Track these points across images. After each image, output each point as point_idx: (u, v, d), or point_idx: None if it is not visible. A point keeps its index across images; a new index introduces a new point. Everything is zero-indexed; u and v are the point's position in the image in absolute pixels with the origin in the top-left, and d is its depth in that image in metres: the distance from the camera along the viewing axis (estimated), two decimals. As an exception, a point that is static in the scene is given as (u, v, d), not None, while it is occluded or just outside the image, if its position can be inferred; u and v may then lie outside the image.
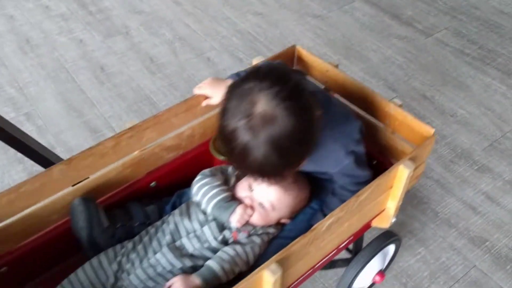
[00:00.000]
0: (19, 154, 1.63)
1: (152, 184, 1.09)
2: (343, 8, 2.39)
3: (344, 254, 1.19)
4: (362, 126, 0.99)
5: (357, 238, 1.12)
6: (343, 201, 0.88)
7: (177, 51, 2.13)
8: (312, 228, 0.83)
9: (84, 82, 1.97)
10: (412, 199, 1.53)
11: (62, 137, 1.73)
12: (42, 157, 1.28)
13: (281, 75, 0.80)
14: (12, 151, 1.65)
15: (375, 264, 1.19)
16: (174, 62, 2.07)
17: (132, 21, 2.31)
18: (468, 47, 2.15)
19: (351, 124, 0.98)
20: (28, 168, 1.61)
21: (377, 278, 1.21)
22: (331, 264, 1.18)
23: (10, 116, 1.79)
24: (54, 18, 2.32)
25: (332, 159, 0.95)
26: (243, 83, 0.80)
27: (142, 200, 1.07)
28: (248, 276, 0.76)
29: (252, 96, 0.77)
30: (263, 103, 0.76)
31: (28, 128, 1.75)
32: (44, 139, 1.71)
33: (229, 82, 0.98)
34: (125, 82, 1.96)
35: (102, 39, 2.20)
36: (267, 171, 0.82)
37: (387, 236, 1.15)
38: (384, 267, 1.27)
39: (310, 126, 0.82)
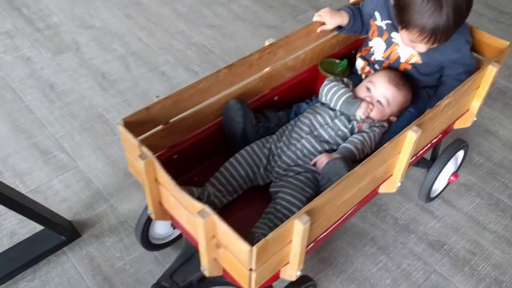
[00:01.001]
0: None
1: (275, 98, 1.32)
2: (297, 18, 2.40)
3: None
4: None
5: (439, 142, 1.41)
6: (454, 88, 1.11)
7: (130, 66, 2.07)
8: (437, 104, 1.07)
9: (33, 101, 1.88)
10: (372, 207, 1.53)
11: (10, 160, 1.65)
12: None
13: None
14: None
15: (450, 167, 1.49)
16: (127, 77, 2.02)
17: (83, 37, 2.24)
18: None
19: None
20: None
21: (452, 178, 1.50)
22: (418, 163, 1.46)
23: (-48, 141, 1.69)
24: (-1, 36, 2.22)
25: (455, 46, 1.20)
26: None
27: (272, 108, 1.28)
28: (398, 135, 1.01)
29: None
30: None
31: (-28, 153, 1.65)
32: (-10, 164, 1.62)
33: (343, 12, 1.32)
34: (76, 100, 1.90)
35: (51, 56, 2.12)
36: (441, 32, 1.08)
37: (458, 143, 1.44)
38: (457, 168, 1.56)
39: None
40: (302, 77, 1.37)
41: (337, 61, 1.41)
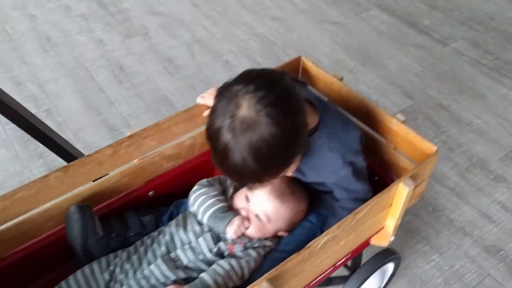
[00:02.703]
0: (39, 149, 1.67)
1: (151, 193, 1.08)
2: (360, 15, 2.40)
3: (342, 271, 1.17)
4: (363, 137, 0.98)
5: (355, 256, 1.10)
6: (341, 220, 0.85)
7: (195, 53, 2.15)
8: (307, 246, 0.80)
9: (103, 81, 2.00)
10: (427, 206, 1.53)
11: (81, 134, 1.76)
12: (64, 150, 1.30)
13: (270, 80, 0.79)
14: (32, 146, 1.69)
15: (373, 282, 1.16)
16: (192, 64, 2.09)
17: (151, 23, 2.34)
18: (484, 57, 2.15)
19: (351, 134, 0.96)
20: (48, 163, 1.64)
21: None
22: (328, 281, 1.15)
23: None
24: (75, 18, 2.36)
25: (329, 169, 0.93)
26: (232, 85, 0.79)
27: (140, 209, 1.06)
28: None
29: (238, 98, 0.76)
30: (246, 107, 0.75)
31: (48, 125, 1.77)
32: (64, 136, 1.72)
33: None
34: (143, 82, 1.99)
35: (121, 39, 2.23)
36: (245, 175, 0.81)
37: (386, 254, 1.11)
38: (382, 285, 1.25)
39: (293, 134, 0.80)
40: (191, 165, 1.13)
41: None
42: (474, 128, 1.81)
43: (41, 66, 2.06)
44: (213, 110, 0.81)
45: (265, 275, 0.75)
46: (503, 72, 2.07)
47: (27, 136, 1.32)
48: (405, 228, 1.47)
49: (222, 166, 0.81)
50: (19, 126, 1.21)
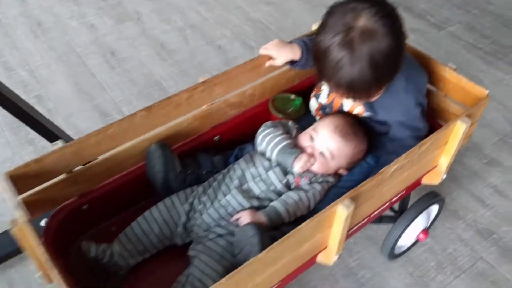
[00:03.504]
0: (30, 136, 1.66)
1: (216, 138, 1.17)
2: None
3: (389, 213, 1.28)
4: (429, 80, 1.09)
5: (407, 195, 1.20)
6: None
7: (188, 38, 2.13)
8: (380, 171, 0.88)
9: (95, 66, 1.97)
10: (420, 191, 1.52)
11: (72, 120, 1.74)
12: (54, 136, 1.29)
13: (381, 0, 0.90)
14: (22, 132, 1.67)
15: (420, 223, 1.27)
16: (185, 48, 2.07)
17: (144, 7, 2.31)
18: (481, 41, 2.13)
19: (422, 77, 1.06)
20: (39, 149, 1.62)
21: (421, 236, 1.29)
22: (380, 219, 1.26)
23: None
24: (66, 3, 2.32)
25: (402, 109, 1.03)
26: (345, 4, 0.89)
27: (208, 151, 1.14)
28: (323, 210, 0.82)
29: (355, 12, 0.86)
30: (364, 19, 0.85)
31: (39, 111, 1.75)
32: (55, 122, 1.70)
33: (294, 45, 1.11)
34: (135, 67, 1.97)
35: (113, 24, 2.20)
36: (357, 88, 0.91)
37: (432, 196, 1.24)
38: (428, 225, 1.33)
39: (402, 49, 0.91)
40: (251, 113, 1.22)
41: (293, 96, 1.25)
42: (469, 113, 1.79)
43: (32, 51, 2.03)
44: (323, 27, 0.90)
45: (347, 193, 0.85)
46: (499, 56, 2.05)
47: (17, 123, 1.30)
48: (398, 212, 1.46)
49: (332, 81, 0.92)
50: (9, 111, 1.20)
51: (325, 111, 1.17)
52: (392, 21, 0.88)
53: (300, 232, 0.81)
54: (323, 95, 1.16)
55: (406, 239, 1.30)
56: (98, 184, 1.03)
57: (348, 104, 1.12)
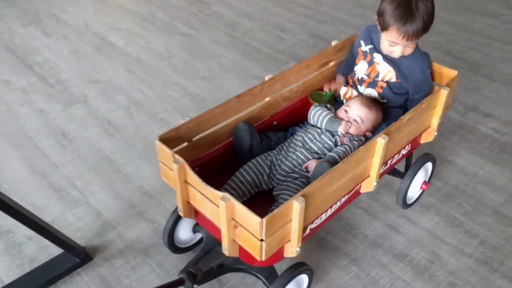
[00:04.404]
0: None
1: (275, 122, 1.64)
2: (280, 68, 2.71)
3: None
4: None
5: (410, 153, 1.73)
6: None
7: (133, 114, 2.35)
8: (400, 118, 1.40)
9: (47, 147, 2.14)
10: (345, 227, 1.77)
11: (29, 198, 1.88)
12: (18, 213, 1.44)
13: None
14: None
15: (422, 176, 1.80)
16: (131, 124, 2.29)
17: (90, 90, 2.53)
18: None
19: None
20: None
21: (424, 186, 1.82)
22: (393, 172, 1.80)
23: (-22, 182, 1.93)
24: (15, 91, 2.51)
25: (419, 67, 1.56)
26: None
27: (272, 131, 1.60)
28: (370, 140, 1.33)
29: None
30: None
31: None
32: (12, 201, 1.85)
33: (341, 77, 1.76)
34: (86, 145, 2.16)
35: (62, 107, 2.40)
36: (426, 24, 1.45)
37: (426, 156, 1.76)
38: (427, 178, 1.86)
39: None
40: (296, 105, 1.70)
41: (324, 93, 1.74)
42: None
43: (-15, 139, 2.17)
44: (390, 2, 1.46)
45: (380, 132, 1.35)
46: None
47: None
48: (328, 247, 1.69)
49: (413, 17, 1.43)
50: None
51: (356, 87, 1.67)
52: None
53: (358, 152, 1.28)
54: (361, 71, 1.65)
55: (413, 190, 1.80)
56: (205, 152, 1.44)
57: (383, 72, 1.60)
